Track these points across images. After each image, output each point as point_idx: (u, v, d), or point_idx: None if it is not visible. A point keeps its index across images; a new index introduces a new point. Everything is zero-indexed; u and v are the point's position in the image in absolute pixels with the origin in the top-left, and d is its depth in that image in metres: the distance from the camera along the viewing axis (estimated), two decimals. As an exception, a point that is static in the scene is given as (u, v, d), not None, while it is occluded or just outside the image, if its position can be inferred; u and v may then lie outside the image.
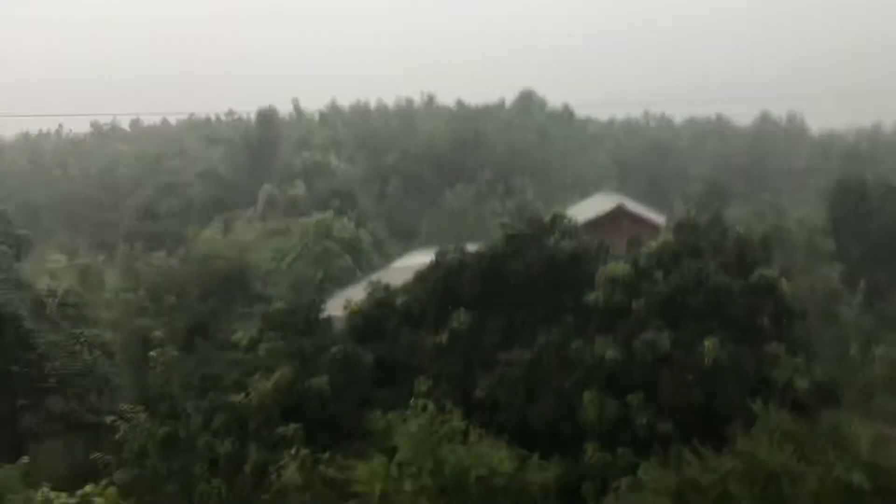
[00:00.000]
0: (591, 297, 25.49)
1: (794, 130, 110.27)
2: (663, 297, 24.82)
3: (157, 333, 28.36)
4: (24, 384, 26.59)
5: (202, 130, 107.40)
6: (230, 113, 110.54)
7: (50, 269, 45.05)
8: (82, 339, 29.27)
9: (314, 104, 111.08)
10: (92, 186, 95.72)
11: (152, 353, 23.80)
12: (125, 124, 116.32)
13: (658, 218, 35.50)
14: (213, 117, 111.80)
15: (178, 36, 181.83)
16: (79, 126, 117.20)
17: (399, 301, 28.06)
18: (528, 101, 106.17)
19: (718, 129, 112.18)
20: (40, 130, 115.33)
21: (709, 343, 23.59)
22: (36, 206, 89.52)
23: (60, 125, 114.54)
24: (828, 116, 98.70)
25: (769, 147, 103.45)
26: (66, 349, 28.25)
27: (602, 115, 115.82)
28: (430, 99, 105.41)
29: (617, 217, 35.20)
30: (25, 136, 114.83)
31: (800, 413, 22.30)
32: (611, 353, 24.15)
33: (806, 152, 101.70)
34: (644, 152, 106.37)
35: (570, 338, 25.44)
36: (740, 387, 23.46)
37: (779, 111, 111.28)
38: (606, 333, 25.10)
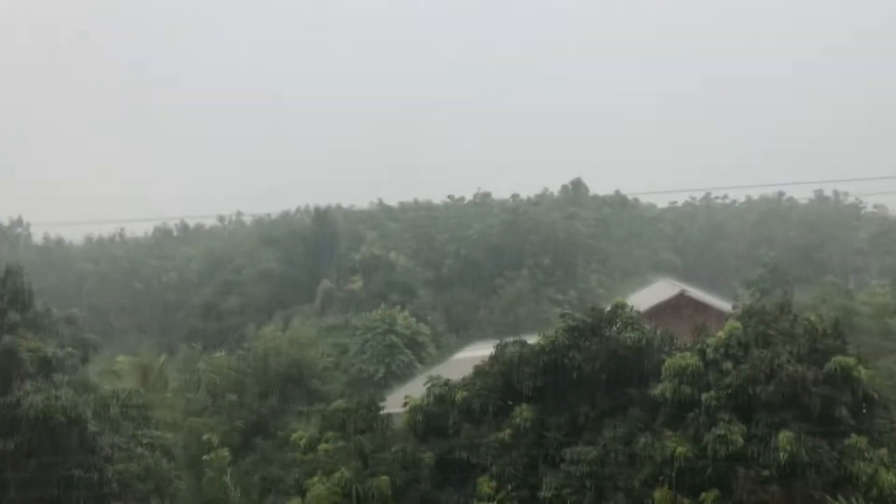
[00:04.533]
0: (658, 389, 24.72)
1: (848, 209, 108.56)
2: (733, 388, 23.93)
3: (210, 436, 28.30)
4: (87, 488, 26.64)
5: (260, 229, 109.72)
6: (285, 213, 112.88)
7: (115, 370, 45.58)
8: (144, 441, 29.33)
9: (361, 203, 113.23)
10: (157, 288, 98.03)
11: (206, 457, 23.65)
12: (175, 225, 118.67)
13: (723, 305, 34.51)
14: (270, 216, 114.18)
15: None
16: (138, 229, 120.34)
17: (459, 396, 27.56)
18: (579, 189, 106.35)
19: (777, 209, 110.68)
20: (101, 235, 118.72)
21: (784, 437, 22.58)
22: (104, 308, 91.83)
23: (122, 229, 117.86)
24: (880, 194, 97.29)
25: (827, 227, 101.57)
26: (128, 451, 28.30)
27: (658, 200, 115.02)
28: (483, 194, 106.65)
29: (680, 305, 34.34)
30: (90, 240, 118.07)
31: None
32: (681, 449, 23.26)
33: (864, 231, 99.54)
34: (703, 236, 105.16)
35: (637, 433, 24.66)
36: (821, 482, 22.35)
37: (830, 190, 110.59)
38: (675, 428, 24.25)
